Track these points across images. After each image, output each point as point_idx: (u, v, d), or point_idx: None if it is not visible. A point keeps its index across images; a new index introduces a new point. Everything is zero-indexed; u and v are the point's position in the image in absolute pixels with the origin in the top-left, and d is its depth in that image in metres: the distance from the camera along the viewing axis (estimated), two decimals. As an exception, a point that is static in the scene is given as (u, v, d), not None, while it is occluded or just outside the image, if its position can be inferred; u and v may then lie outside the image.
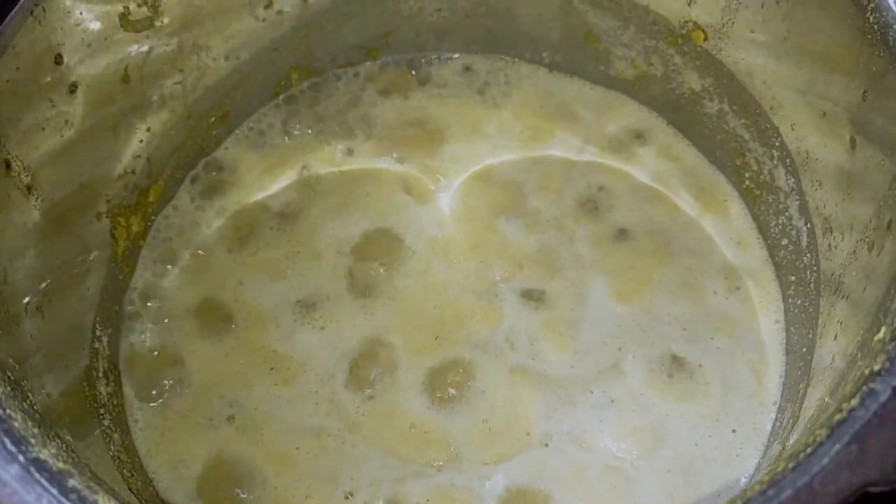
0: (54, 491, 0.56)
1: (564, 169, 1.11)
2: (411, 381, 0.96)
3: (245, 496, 0.90)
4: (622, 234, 1.06)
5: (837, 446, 0.55)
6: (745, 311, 1.00)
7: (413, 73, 1.17)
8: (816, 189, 0.92)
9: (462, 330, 0.99)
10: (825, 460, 0.55)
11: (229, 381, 0.97)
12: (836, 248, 0.87)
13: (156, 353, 0.99)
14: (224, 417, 0.95)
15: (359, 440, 0.93)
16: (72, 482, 0.57)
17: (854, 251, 0.82)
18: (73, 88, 0.88)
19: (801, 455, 0.56)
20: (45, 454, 0.58)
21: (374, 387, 0.96)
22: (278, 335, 1.00)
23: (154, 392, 0.97)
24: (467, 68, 1.18)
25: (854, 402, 0.58)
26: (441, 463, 0.92)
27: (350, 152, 1.12)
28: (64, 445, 0.65)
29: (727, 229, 1.06)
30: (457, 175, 1.11)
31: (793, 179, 0.97)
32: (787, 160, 0.97)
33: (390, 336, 0.99)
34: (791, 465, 0.56)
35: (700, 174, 1.10)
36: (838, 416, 0.57)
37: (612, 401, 0.94)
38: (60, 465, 0.58)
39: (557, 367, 0.97)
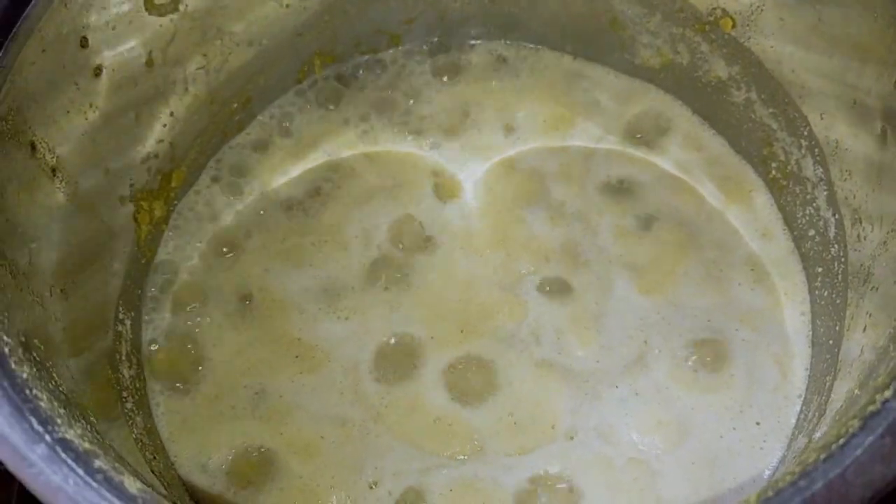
0: (80, 471, 0.56)
1: (587, 158, 1.10)
2: (436, 373, 0.96)
3: (269, 484, 0.90)
4: (646, 225, 1.05)
5: (871, 438, 0.55)
6: (771, 302, 0.99)
7: (436, 59, 1.16)
8: (846, 179, 0.91)
9: (487, 323, 0.99)
10: (858, 452, 0.54)
11: (254, 368, 0.97)
12: (865, 239, 0.86)
13: (178, 338, 0.99)
14: (248, 405, 0.95)
15: (383, 431, 0.93)
16: (98, 462, 0.57)
17: (884, 242, 0.81)
18: (97, 72, 0.88)
19: (834, 446, 0.55)
20: (71, 434, 0.58)
21: (399, 378, 0.96)
22: (302, 324, 0.99)
23: (176, 378, 0.97)
24: (490, 55, 1.17)
25: (888, 393, 0.57)
26: (465, 456, 0.91)
27: (373, 139, 1.11)
28: (89, 426, 0.65)
29: (752, 220, 1.05)
30: (480, 164, 1.10)
31: (821, 169, 0.96)
32: (816, 150, 0.96)
33: (415, 328, 0.99)
34: (823, 456, 0.55)
35: (725, 164, 1.08)
36: (871, 408, 0.56)
37: (637, 394, 0.94)
38: (87, 445, 0.58)
39: (583, 361, 0.96)
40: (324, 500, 0.89)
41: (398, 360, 0.97)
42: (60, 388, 0.68)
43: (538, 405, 0.94)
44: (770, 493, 0.54)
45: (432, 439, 0.92)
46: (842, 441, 0.55)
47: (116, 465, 0.58)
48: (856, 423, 0.56)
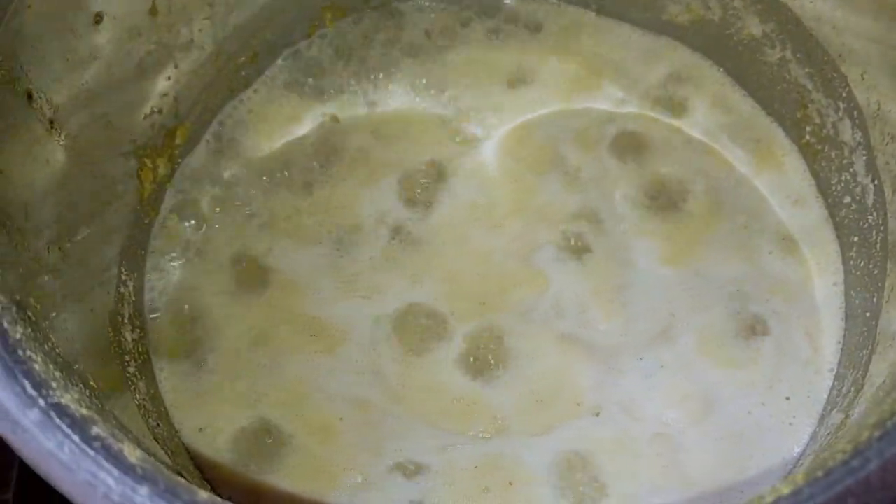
0: (76, 438, 0.52)
1: (609, 122, 1.05)
2: (456, 350, 0.92)
3: (280, 461, 0.88)
4: (671, 193, 1.00)
5: (930, 415, 0.50)
6: (802, 273, 0.95)
7: (454, 15, 1.11)
8: (888, 143, 0.86)
9: (508, 297, 0.95)
10: (916, 429, 0.50)
11: (266, 343, 0.94)
12: (907, 206, 0.82)
13: (184, 305, 0.96)
14: (258, 381, 0.91)
15: (402, 411, 0.89)
16: (95, 429, 0.53)
17: (931, 209, 0.77)
18: (98, 19, 0.83)
19: (889, 423, 0.51)
20: (67, 399, 0.55)
21: (418, 356, 0.92)
22: (316, 300, 0.96)
23: (181, 347, 0.94)
24: (511, 10, 1.11)
25: (947, 366, 0.53)
26: (488, 435, 0.88)
27: (385, 98, 1.06)
28: (87, 391, 0.61)
29: (784, 186, 1.00)
30: (497, 127, 1.05)
31: (860, 133, 0.91)
32: (855, 112, 0.91)
33: (434, 304, 0.95)
34: (877, 433, 0.51)
35: (756, 127, 1.03)
36: (929, 383, 0.52)
37: (662, 367, 0.90)
38: (84, 411, 0.54)
39: (606, 335, 0.93)
40: (339, 479, 0.86)
41: (416, 338, 0.93)
42: (57, 351, 0.64)
43: (561, 381, 0.90)
44: (819, 474, 0.50)
45: (454, 418, 0.89)
46: (896, 418, 0.51)
47: (116, 432, 0.54)
48: (912, 399, 0.52)
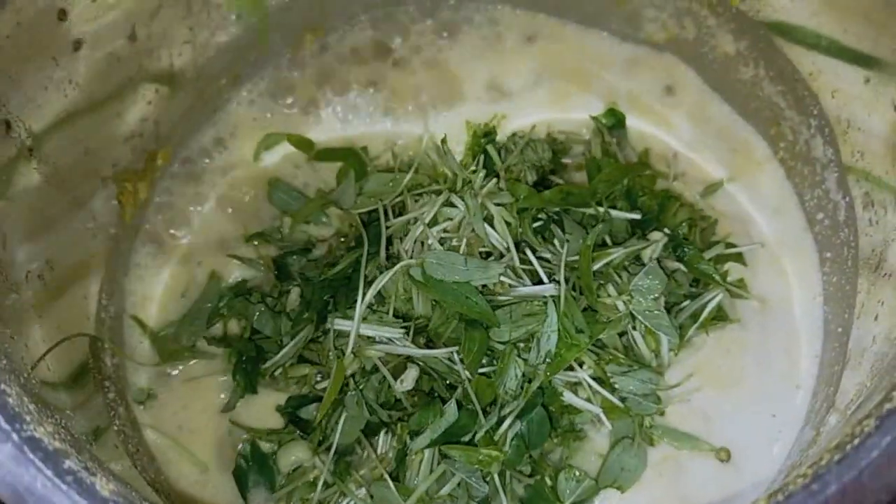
0: (49, 472, 0.52)
1: (586, 130, 1.05)
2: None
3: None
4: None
5: (888, 438, 0.51)
6: (781, 284, 0.96)
7: (434, 27, 1.10)
8: (857, 160, 0.87)
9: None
10: (874, 453, 0.51)
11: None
12: (877, 223, 0.83)
13: (166, 329, 0.96)
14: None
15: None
16: (68, 463, 0.54)
17: (899, 227, 0.78)
18: (77, 46, 0.84)
19: (848, 447, 0.52)
20: (40, 432, 0.55)
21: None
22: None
23: (162, 370, 0.95)
24: (491, 21, 1.11)
25: (906, 390, 0.53)
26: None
27: (364, 116, 1.07)
28: (63, 422, 0.62)
29: (762, 196, 1.01)
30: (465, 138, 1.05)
31: (831, 150, 0.92)
32: (826, 129, 0.92)
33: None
34: (837, 457, 0.52)
35: (734, 136, 1.04)
36: (888, 406, 0.53)
37: None
38: (57, 444, 0.55)
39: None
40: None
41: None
42: (33, 381, 0.65)
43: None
44: (780, 497, 0.51)
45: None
46: (856, 441, 0.52)
47: (90, 464, 0.55)
48: (871, 423, 0.52)
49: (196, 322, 0.96)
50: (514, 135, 1.03)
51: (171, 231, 1.01)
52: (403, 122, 1.07)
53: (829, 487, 0.50)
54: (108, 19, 0.86)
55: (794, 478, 0.52)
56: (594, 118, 1.04)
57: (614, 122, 1.04)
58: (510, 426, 0.85)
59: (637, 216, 0.94)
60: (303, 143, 1.05)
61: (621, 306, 0.89)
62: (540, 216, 0.94)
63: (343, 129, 1.07)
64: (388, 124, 1.07)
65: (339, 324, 0.89)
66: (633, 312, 0.89)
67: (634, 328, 0.91)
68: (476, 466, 0.84)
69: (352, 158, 1.03)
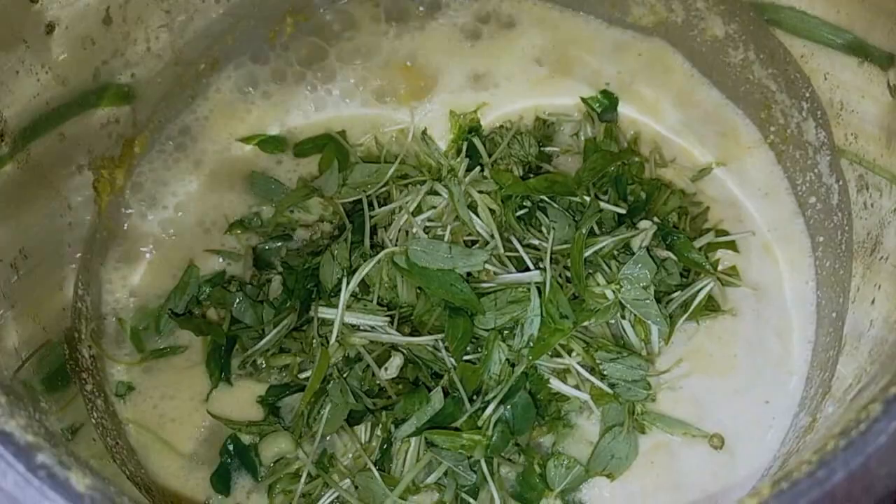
0: (20, 467, 0.50)
1: (572, 116, 1.03)
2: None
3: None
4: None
5: (895, 423, 0.50)
6: (772, 269, 0.95)
7: (417, 12, 1.08)
8: (851, 143, 0.86)
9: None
10: (882, 439, 0.49)
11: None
12: (872, 206, 0.81)
13: (144, 319, 0.94)
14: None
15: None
16: (41, 457, 0.51)
17: (895, 209, 0.76)
18: (49, 29, 0.81)
19: (854, 433, 0.50)
20: (11, 426, 0.53)
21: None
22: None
23: (141, 361, 0.92)
24: (474, 5, 1.08)
25: (913, 373, 0.52)
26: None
27: (344, 102, 1.05)
28: (36, 415, 0.59)
29: (754, 180, 0.99)
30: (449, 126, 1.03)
31: (823, 133, 0.91)
32: (818, 112, 0.90)
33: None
34: (842, 443, 0.50)
35: (723, 120, 1.02)
36: (894, 389, 0.51)
37: None
38: (29, 438, 0.52)
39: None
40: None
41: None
42: (5, 373, 0.62)
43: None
44: (784, 486, 0.49)
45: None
46: (862, 427, 0.50)
47: (64, 458, 0.52)
48: (877, 408, 0.51)
49: (173, 312, 0.93)
50: (500, 127, 1.01)
51: (149, 219, 0.98)
52: (385, 108, 1.05)
53: (835, 475, 0.49)
54: (82, 2, 0.84)
55: (797, 465, 0.50)
56: (585, 100, 1.03)
57: (606, 104, 1.03)
58: (494, 411, 0.83)
59: (622, 210, 0.92)
60: (275, 144, 1.03)
61: (610, 295, 0.87)
62: (525, 204, 0.92)
63: (323, 115, 1.04)
64: (370, 110, 1.05)
65: (324, 312, 0.87)
66: (623, 301, 0.88)
67: (623, 317, 0.89)
68: (460, 452, 0.82)
69: (332, 145, 1.01)
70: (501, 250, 0.89)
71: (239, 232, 0.99)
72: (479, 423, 0.83)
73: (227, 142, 1.02)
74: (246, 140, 1.03)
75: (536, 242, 0.91)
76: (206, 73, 1.03)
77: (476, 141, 0.97)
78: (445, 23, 1.07)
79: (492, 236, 0.89)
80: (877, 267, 0.78)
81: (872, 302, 0.76)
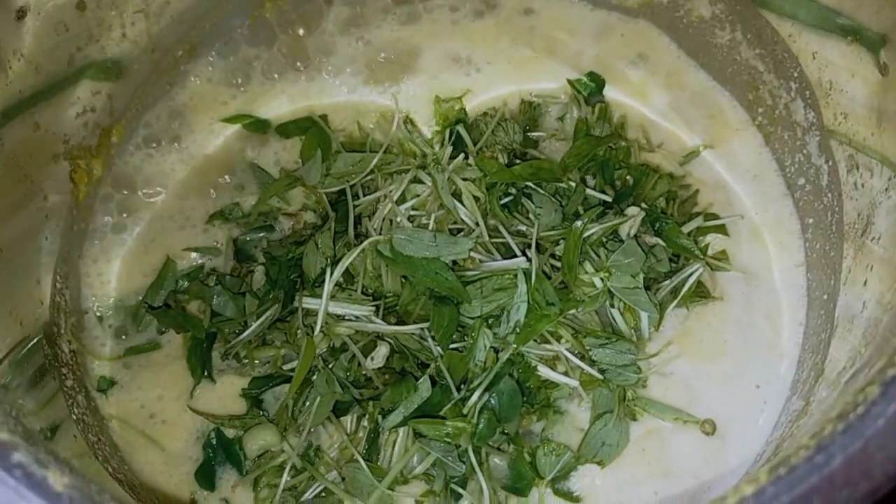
0: (-5, 467, 0.48)
1: (555, 99, 1.02)
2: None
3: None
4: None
5: (893, 406, 0.49)
6: (761, 251, 0.94)
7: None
8: (840, 123, 0.85)
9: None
10: (880, 422, 0.48)
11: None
12: (863, 186, 0.81)
13: (124, 312, 0.92)
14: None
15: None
16: (17, 456, 0.49)
17: (886, 189, 0.75)
18: (21, 14, 0.79)
19: (852, 416, 0.49)
20: (-16, 425, 0.51)
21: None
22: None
23: (122, 357, 0.91)
24: None
25: (911, 355, 0.51)
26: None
27: (328, 88, 1.03)
28: (12, 412, 0.57)
29: (740, 163, 0.98)
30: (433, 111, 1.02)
31: (812, 113, 0.90)
32: (807, 92, 0.89)
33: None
34: (840, 427, 0.49)
35: (711, 102, 1.01)
36: (892, 371, 0.50)
37: None
38: (4, 436, 0.51)
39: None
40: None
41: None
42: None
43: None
44: (782, 472, 0.48)
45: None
46: (860, 410, 0.49)
47: (42, 456, 0.51)
48: (875, 390, 0.50)
49: (151, 307, 0.92)
50: (485, 114, 1.00)
51: (127, 211, 0.97)
52: (367, 93, 1.03)
53: (833, 460, 0.48)
54: (55, -14, 0.82)
55: (795, 450, 0.49)
56: (571, 82, 1.01)
57: (593, 87, 1.01)
58: (479, 398, 0.82)
59: (608, 198, 0.91)
60: (258, 126, 1.01)
61: (599, 283, 0.86)
62: (510, 191, 0.91)
63: (305, 101, 1.03)
64: (352, 95, 1.03)
65: (308, 302, 0.86)
66: (612, 289, 0.87)
67: (612, 305, 0.88)
68: (446, 440, 0.81)
69: (314, 130, 0.99)
70: (486, 238, 0.88)
71: (220, 222, 0.97)
72: (465, 411, 0.82)
73: (206, 131, 1.00)
74: (230, 120, 1.00)
75: (524, 228, 0.89)
76: (183, 60, 1.01)
77: (462, 130, 0.96)
78: (429, 5, 1.06)
79: (476, 224, 0.88)
80: (868, 248, 0.77)
81: (864, 283, 0.75)
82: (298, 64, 1.04)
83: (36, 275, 0.85)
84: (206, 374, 0.89)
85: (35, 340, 0.81)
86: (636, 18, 1.04)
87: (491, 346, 0.84)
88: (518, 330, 0.84)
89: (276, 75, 1.03)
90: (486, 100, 1.02)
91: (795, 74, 0.90)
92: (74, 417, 0.80)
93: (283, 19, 1.04)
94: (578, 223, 0.86)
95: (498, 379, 0.83)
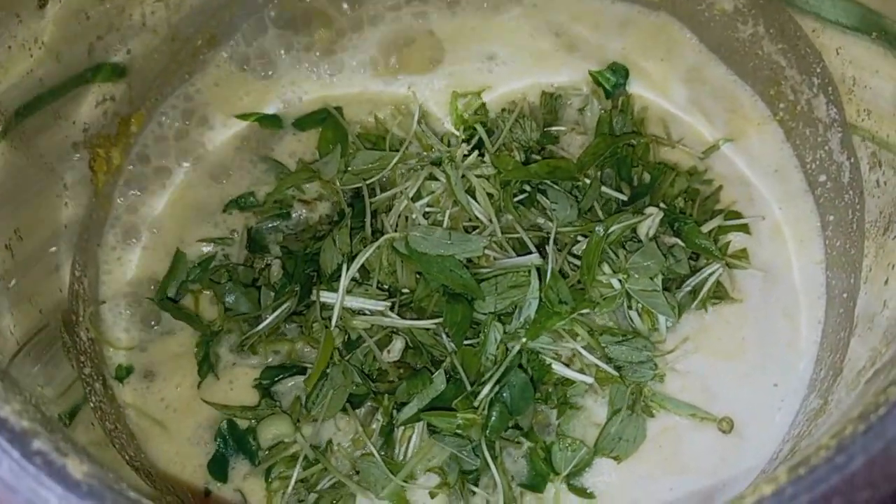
0: (16, 454, 0.49)
1: (577, 94, 1.01)
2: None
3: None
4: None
5: (916, 406, 0.48)
6: (781, 248, 0.94)
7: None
8: (863, 120, 0.84)
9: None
10: (903, 423, 0.48)
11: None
12: (885, 184, 0.80)
13: (142, 299, 0.92)
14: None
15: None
16: (37, 444, 0.50)
17: (910, 187, 0.75)
18: (42, 3, 0.79)
19: (873, 417, 0.49)
20: (6, 411, 0.51)
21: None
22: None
23: (141, 344, 0.91)
24: None
25: (933, 355, 0.50)
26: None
27: (346, 78, 1.02)
28: (33, 400, 0.58)
29: (762, 157, 0.97)
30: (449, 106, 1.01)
31: (835, 110, 0.89)
32: (830, 88, 0.88)
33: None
34: (862, 427, 0.48)
35: (733, 96, 1.00)
36: (915, 373, 0.50)
37: None
38: (25, 423, 0.51)
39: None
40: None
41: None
42: (0, 357, 0.61)
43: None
44: (802, 471, 0.48)
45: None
46: (882, 411, 0.49)
47: (61, 444, 0.51)
48: (897, 390, 0.49)
49: (165, 299, 0.92)
50: (503, 111, 0.99)
51: (146, 199, 0.97)
52: (385, 84, 1.03)
53: (854, 460, 0.47)
54: (75, -25, 0.82)
55: (815, 450, 0.49)
56: (593, 74, 1.00)
57: (614, 80, 1.01)
58: (490, 391, 0.82)
59: (624, 197, 0.91)
60: (272, 121, 1.01)
61: (617, 284, 0.86)
62: (525, 188, 0.91)
63: (323, 91, 1.02)
64: (370, 86, 1.03)
65: (325, 296, 0.86)
66: (630, 291, 0.86)
67: (630, 307, 0.88)
68: (457, 433, 0.81)
69: (329, 121, 0.99)
70: (500, 235, 0.87)
71: (235, 211, 0.97)
72: (476, 404, 0.82)
73: (224, 120, 1.00)
74: (243, 117, 1.01)
75: (541, 221, 0.89)
76: (203, 50, 1.01)
77: (480, 129, 0.95)
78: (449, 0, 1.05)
79: (490, 221, 0.88)
80: (890, 247, 0.77)
81: (886, 282, 0.75)
82: (319, 55, 1.03)
83: (55, 263, 0.85)
84: (210, 371, 0.90)
85: (54, 328, 0.81)
86: (657, 12, 1.03)
87: (502, 341, 0.84)
88: (528, 325, 0.84)
89: (295, 66, 1.03)
90: (506, 92, 1.02)
91: (818, 70, 0.89)
92: (92, 405, 0.80)
93: (304, 9, 1.04)
94: (599, 228, 0.85)
95: (509, 372, 0.83)
